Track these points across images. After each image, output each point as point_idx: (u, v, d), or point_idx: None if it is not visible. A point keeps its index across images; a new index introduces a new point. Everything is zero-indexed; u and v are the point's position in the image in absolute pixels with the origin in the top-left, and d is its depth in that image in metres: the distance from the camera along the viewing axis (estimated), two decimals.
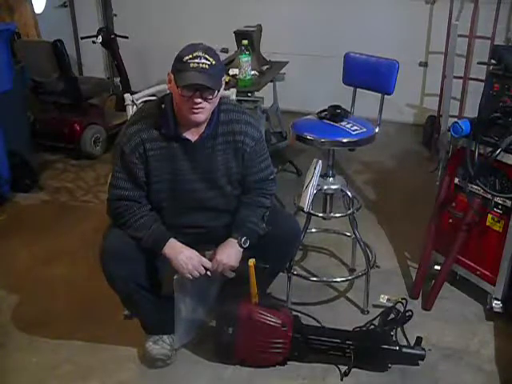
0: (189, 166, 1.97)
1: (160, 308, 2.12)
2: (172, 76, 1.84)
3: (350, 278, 2.65)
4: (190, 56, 1.78)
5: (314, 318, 2.36)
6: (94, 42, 4.57)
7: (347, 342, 2.12)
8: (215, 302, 2.22)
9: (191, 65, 1.77)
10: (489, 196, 2.36)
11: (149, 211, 1.99)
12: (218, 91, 1.86)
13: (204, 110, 1.85)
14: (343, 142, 2.29)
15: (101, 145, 4.30)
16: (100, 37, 4.51)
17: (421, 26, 4.64)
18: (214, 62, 1.80)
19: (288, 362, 2.16)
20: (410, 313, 2.31)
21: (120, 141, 1.95)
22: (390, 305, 2.39)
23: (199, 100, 1.81)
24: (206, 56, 1.79)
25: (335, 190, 2.43)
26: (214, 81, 1.80)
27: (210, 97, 1.83)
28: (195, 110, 1.83)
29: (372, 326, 2.33)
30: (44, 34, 4.72)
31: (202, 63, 1.78)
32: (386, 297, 2.41)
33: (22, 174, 3.64)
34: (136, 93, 2.45)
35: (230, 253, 2.01)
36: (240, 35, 3.44)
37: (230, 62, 3.50)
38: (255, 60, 3.44)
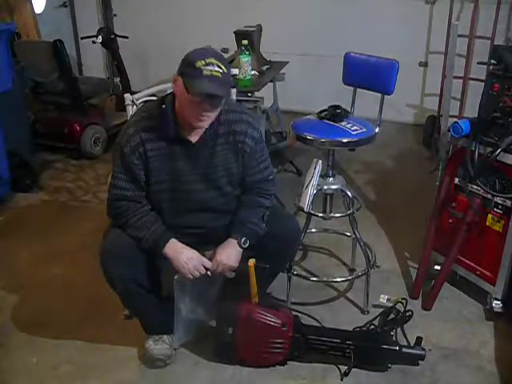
0: (189, 166, 1.97)
1: (160, 308, 2.12)
2: (180, 79, 1.81)
3: (350, 278, 2.65)
4: (203, 62, 1.75)
5: (314, 318, 2.36)
6: (93, 42, 4.57)
7: (347, 342, 2.12)
8: (215, 302, 2.22)
9: (204, 72, 1.75)
10: (489, 196, 2.36)
11: (149, 211, 1.99)
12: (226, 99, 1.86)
13: (209, 118, 1.85)
14: (343, 142, 2.29)
15: (101, 145, 4.30)
16: (100, 37, 4.50)
17: (421, 26, 4.64)
18: (225, 70, 1.80)
19: (288, 362, 2.16)
20: (410, 313, 2.31)
21: (120, 141, 1.95)
22: (390, 305, 2.39)
23: (208, 107, 1.81)
24: (219, 63, 1.78)
25: (335, 190, 2.43)
26: (225, 90, 1.81)
27: (219, 105, 1.83)
28: (201, 118, 1.83)
29: (372, 326, 2.33)
30: (44, 34, 4.73)
31: (216, 71, 1.76)
32: (386, 297, 2.41)
33: (22, 174, 3.64)
34: (136, 93, 2.45)
35: (230, 253, 2.02)
36: (240, 35, 3.44)
37: (230, 62, 3.49)
38: (255, 60, 3.44)
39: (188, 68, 1.78)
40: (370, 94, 2.46)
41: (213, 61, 1.76)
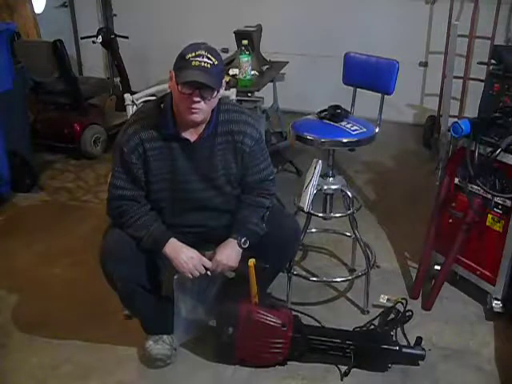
0: (188, 165, 1.97)
1: (160, 308, 2.12)
2: (173, 73, 1.84)
3: (350, 278, 2.65)
4: (193, 54, 1.78)
5: (314, 318, 2.36)
6: (93, 42, 4.57)
7: (347, 341, 2.12)
8: (215, 301, 2.22)
9: (193, 63, 1.77)
10: (489, 196, 2.36)
11: (149, 211, 1.99)
12: (218, 92, 1.86)
13: (201, 110, 1.84)
14: (343, 142, 2.29)
15: (101, 145, 4.30)
16: (100, 37, 4.50)
17: (421, 26, 4.64)
18: (216, 62, 1.80)
19: (288, 362, 2.16)
20: (410, 313, 2.32)
21: (119, 141, 1.95)
22: (390, 305, 2.39)
23: (198, 99, 1.80)
24: (209, 55, 1.79)
25: (335, 190, 2.43)
26: (214, 80, 1.80)
27: (209, 97, 1.82)
28: (193, 110, 1.82)
29: (372, 326, 2.33)
30: (44, 34, 4.72)
31: (204, 62, 1.77)
32: (386, 297, 2.41)
33: (22, 174, 3.64)
34: (136, 93, 2.45)
35: (230, 253, 2.01)
36: (240, 35, 3.44)
37: (230, 62, 3.49)
38: (255, 60, 3.43)
39: (179, 61, 1.81)
40: (370, 94, 2.45)
41: (202, 52, 1.78)
